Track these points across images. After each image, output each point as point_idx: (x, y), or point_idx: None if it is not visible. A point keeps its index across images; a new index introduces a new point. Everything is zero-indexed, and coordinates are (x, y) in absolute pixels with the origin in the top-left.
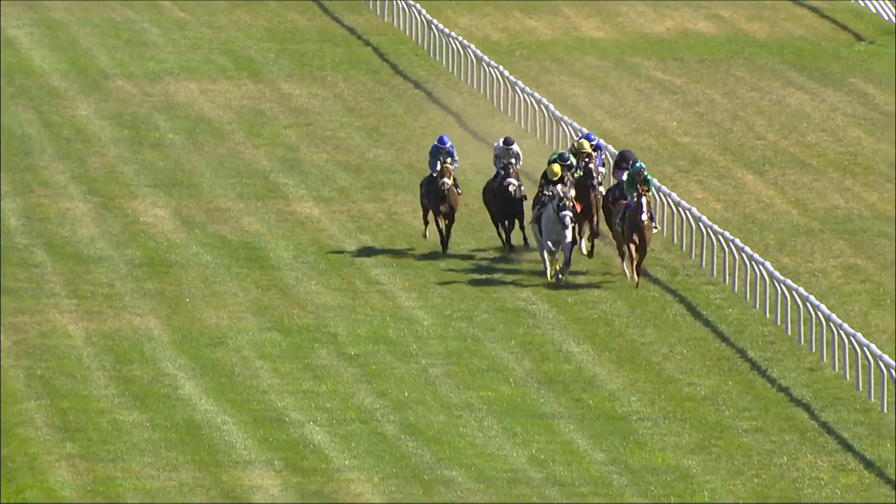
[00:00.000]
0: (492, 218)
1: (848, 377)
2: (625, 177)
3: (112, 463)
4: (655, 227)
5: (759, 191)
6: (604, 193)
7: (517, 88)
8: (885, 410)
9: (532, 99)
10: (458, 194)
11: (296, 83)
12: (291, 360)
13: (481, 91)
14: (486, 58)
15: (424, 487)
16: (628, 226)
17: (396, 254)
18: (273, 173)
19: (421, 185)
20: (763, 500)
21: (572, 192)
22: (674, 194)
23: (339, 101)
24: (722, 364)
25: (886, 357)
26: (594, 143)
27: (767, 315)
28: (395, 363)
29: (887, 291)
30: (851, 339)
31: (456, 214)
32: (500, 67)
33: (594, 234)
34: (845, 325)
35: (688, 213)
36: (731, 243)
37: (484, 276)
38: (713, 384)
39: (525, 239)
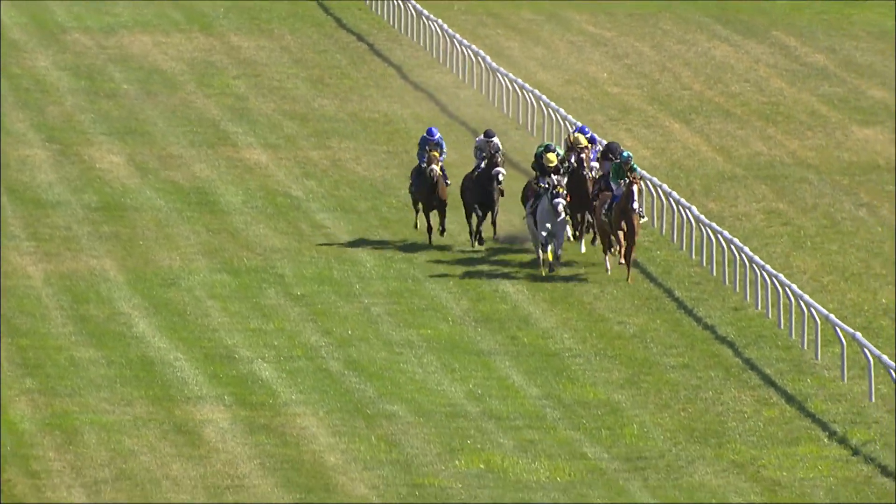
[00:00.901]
0: (465, 208)
1: (770, 316)
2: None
3: (69, 397)
4: (644, 217)
5: (686, 138)
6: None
7: (455, 41)
8: (805, 348)
9: (469, 51)
10: (447, 185)
11: (244, 36)
12: (240, 300)
13: (421, 44)
14: (425, 12)
15: (367, 421)
16: (617, 214)
17: (340, 199)
18: (223, 122)
19: (410, 175)
20: (689, 432)
21: (565, 180)
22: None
23: (286, 53)
24: (650, 304)
25: (807, 297)
26: (588, 135)
27: (694, 257)
28: (339, 303)
29: (808, 234)
30: (773, 279)
31: (447, 204)
32: (440, 21)
33: (591, 225)
34: (767, 267)
35: None
36: (658, 188)
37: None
38: (642, 323)
39: (495, 231)
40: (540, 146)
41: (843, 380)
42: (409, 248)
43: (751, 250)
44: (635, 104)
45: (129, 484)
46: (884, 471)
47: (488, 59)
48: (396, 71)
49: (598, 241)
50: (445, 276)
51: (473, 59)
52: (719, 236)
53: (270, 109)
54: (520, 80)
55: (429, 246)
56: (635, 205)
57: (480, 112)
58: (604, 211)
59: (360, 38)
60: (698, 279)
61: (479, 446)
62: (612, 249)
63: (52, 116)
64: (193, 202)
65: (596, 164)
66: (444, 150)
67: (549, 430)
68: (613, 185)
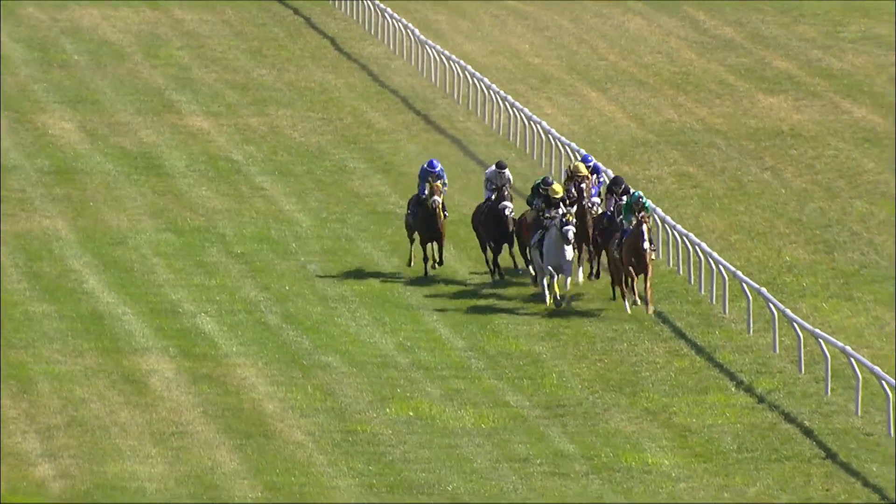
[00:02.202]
0: (480, 242)
1: (681, 272)
2: (614, 202)
3: (24, 349)
4: (657, 256)
5: (602, 106)
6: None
7: (386, 15)
8: (714, 302)
9: (399, 24)
10: (445, 217)
11: (188, 10)
12: (184, 258)
13: (354, 17)
14: None
15: (303, 371)
16: (627, 252)
17: (278, 163)
18: (168, 91)
19: (408, 206)
20: (605, 381)
21: (574, 208)
22: (526, 110)
23: (227, 26)
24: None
25: (715, 254)
26: (591, 164)
27: None
28: (276, 260)
29: (716, 196)
30: (684, 238)
31: (444, 237)
32: None
33: (591, 256)
34: (679, 226)
35: (538, 126)
36: (576, 154)
37: (357, 182)
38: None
39: (514, 262)
40: (538, 180)
41: (749, 332)
42: (343, 209)
43: (663, 211)
44: (555, 74)
45: (80, 430)
46: (787, 417)
47: (417, 31)
48: (331, 43)
49: (594, 274)
50: (377, 235)
51: (403, 31)
52: None
53: (212, 79)
54: (447, 52)
55: (361, 208)
56: (646, 244)
57: (410, 81)
58: (614, 248)
59: (296, 11)
60: None
61: (408, 395)
62: (625, 284)
63: (7, 86)
64: (140, 166)
65: (597, 199)
66: (446, 183)
67: (473, 380)
68: (624, 223)
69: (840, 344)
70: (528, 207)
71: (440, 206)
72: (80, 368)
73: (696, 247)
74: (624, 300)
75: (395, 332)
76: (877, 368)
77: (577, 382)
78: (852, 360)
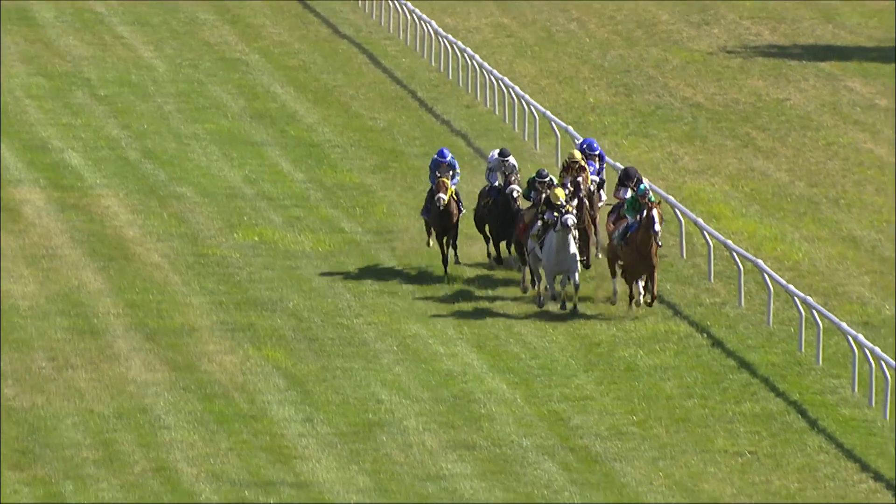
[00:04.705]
0: (480, 229)
1: (497, 113)
2: (628, 194)
3: None
4: (660, 245)
5: None
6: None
7: None
8: (526, 139)
9: None
10: (460, 211)
11: None
12: (53, 99)
13: None
14: None
15: (160, 201)
16: (633, 243)
17: (137, 14)
18: None
19: (425, 199)
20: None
21: (575, 202)
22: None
23: None
24: (397, 102)
25: (527, 96)
26: (597, 152)
27: (433, 63)
28: (136, 102)
29: (528, 44)
30: (499, 82)
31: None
32: None
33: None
34: (494, 71)
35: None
36: (403, 6)
37: (207, 32)
38: (390, 118)
39: (499, 253)
40: (533, 175)
41: (557, 165)
42: (195, 56)
43: (481, 58)
44: None
45: None
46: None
47: None
48: None
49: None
50: (225, 80)
51: None
52: (454, 46)
53: None
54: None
55: (212, 55)
56: (657, 227)
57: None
58: (616, 240)
59: None
60: (437, 82)
61: (253, 222)
62: (620, 275)
63: None
64: (14, 18)
65: (596, 178)
66: (458, 172)
67: (312, 209)
68: (630, 217)
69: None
70: (528, 202)
71: (445, 203)
72: None
73: (510, 90)
74: (613, 283)
75: (242, 166)
76: (670, 197)
77: (404, 211)
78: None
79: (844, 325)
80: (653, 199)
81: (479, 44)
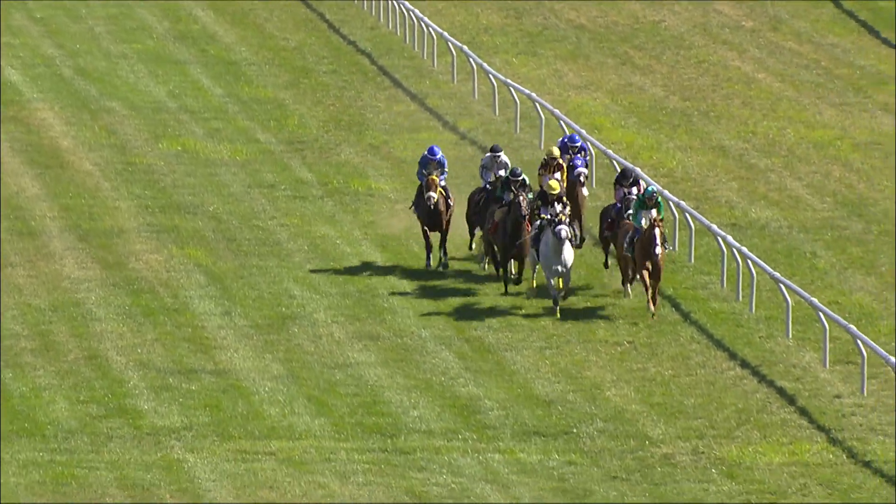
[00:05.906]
0: (471, 229)
1: (398, 34)
2: (623, 195)
3: None
4: (668, 249)
5: None
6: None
7: None
8: (425, 58)
9: None
10: (449, 207)
11: None
12: None
13: None
14: None
15: (91, 114)
16: (640, 253)
17: None
18: None
19: (416, 195)
20: (337, 122)
21: (567, 209)
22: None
23: None
24: (307, 24)
25: (426, 18)
26: (578, 144)
27: None
28: (69, 23)
29: None
30: (400, 4)
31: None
32: None
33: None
34: None
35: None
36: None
37: None
38: (301, 38)
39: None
40: (511, 168)
41: (453, 82)
42: None
43: None
44: None
45: None
46: (482, 149)
47: None
48: None
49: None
50: (151, 4)
51: None
52: None
53: None
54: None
55: None
56: (658, 249)
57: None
58: (625, 243)
59: None
60: (343, 6)
61: (177, 133)
62: (631, 280)
63: None
64: None
65: (584, 170)
66: (446, 169)
67: (230, 121)
68: (634, 221)
69: (526, 91)
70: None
71: (436, 201)
72: None
73: (410, 12)
74: (626, 288)
75: (166, 82)
76: (556, 110)
77: (314, 123)
78: (537, 104)
79: (714, 226)
80: (660, 201)
81: None
